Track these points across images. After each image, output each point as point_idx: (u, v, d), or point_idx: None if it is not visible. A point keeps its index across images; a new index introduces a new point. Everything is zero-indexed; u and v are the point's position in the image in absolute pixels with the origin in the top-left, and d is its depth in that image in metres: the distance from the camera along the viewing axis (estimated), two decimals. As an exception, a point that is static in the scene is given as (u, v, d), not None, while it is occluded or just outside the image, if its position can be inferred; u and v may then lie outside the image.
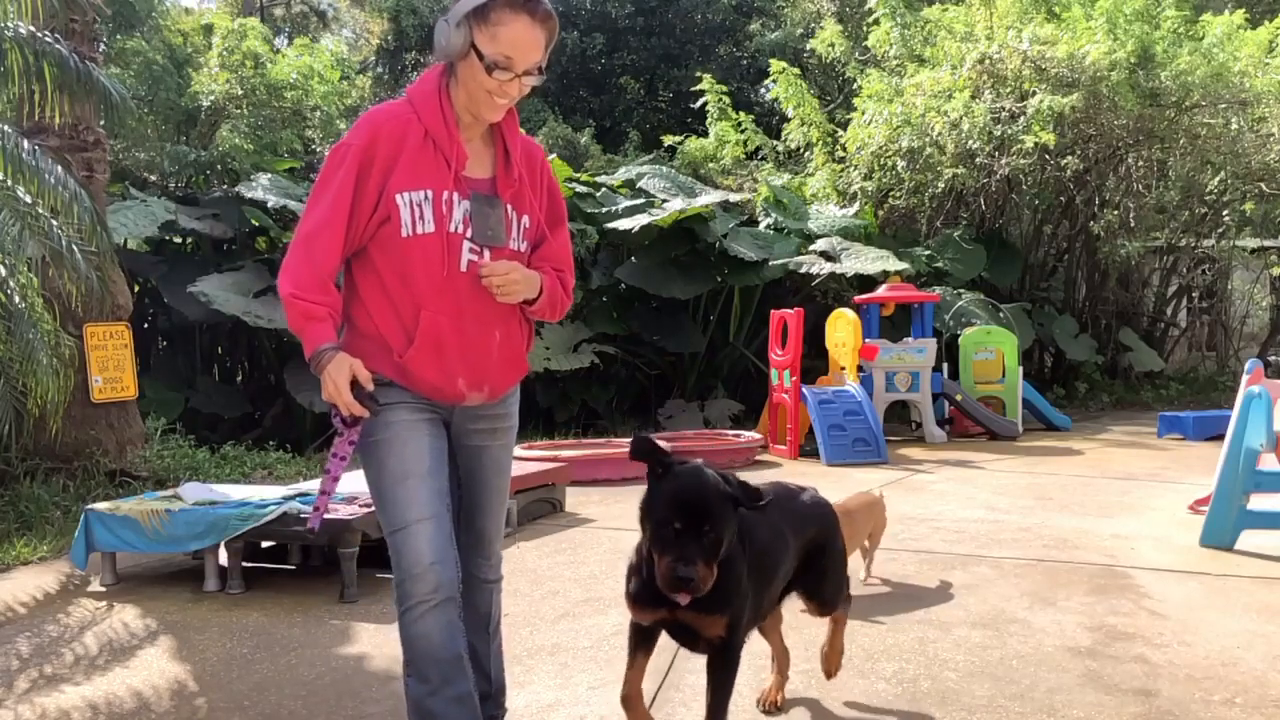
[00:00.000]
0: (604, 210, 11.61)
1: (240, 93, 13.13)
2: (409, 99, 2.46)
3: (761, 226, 12.34)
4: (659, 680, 3.34)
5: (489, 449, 2.66)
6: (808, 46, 17.32)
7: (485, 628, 2.79)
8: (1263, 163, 12.91)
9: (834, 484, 7.39)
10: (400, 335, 2.43)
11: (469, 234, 2.43)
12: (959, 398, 10.16)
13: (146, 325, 11.64)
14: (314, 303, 2.34)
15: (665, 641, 2.58)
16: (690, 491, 2.25)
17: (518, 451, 6.85)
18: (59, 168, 6.00)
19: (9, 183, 5.75)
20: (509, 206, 2.51)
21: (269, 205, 10.79)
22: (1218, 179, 13.51)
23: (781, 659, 3.19)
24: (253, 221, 11.54)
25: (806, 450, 9.15)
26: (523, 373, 2.66)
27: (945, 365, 10.68)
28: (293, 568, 5.18)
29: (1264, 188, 13.10)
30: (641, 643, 2.59)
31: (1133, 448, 9.44)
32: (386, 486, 2.44)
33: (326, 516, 4.67)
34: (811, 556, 2.89)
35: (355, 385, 2.32)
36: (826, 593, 3.00)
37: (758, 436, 9.42)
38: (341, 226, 2.38)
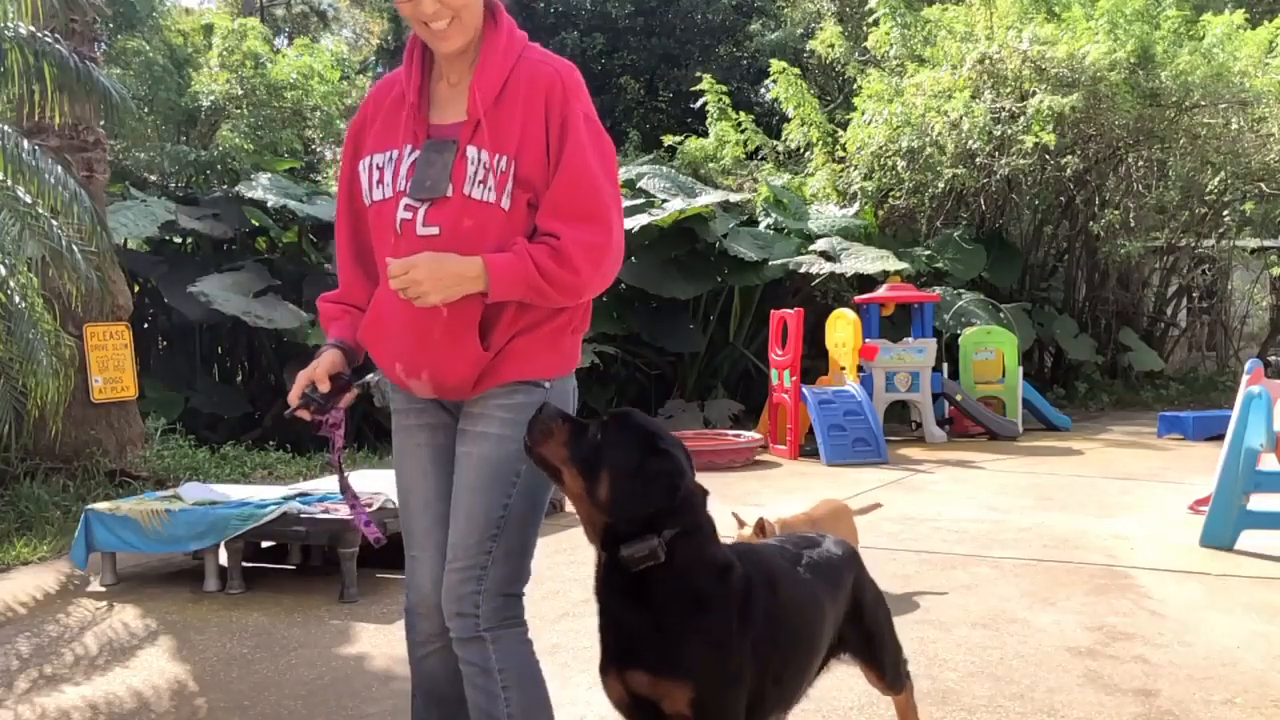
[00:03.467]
0: (604, 210, 11.59)
1: (240, 93, 13.13)
2: None
3: (761, 226, 12.34)
4: None
5: (463, 457, 2.17)
6: (808, 46, 17.31)
7: None
8: (1263, 163, 12.90)
9: (834, 484, 7.39)
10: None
11: (407, 189, 2.10)
12: (959, 398, 10.16)
13: (146, 325, 11.64)
14: (329, 303, 2.31)
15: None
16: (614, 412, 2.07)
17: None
18: (59, 168, 6.00)
19: (9, 183, 5.75)
20: (473, 147, 2.06)
21: (269, 205, 10.79)
22: (1218, 179, 13.50)
23: None
24: (253, 221, 11.54)
25: (806, 450, 9.15)
26: (480, 361, 2.08)
27: (945, 365, 10.68)
28: (293, 568, 5.18)
29: (1264, 188, 13.09)
30: None
31: (1133, 448, 9.44)
32: (399, 500, 2.34)
33: (332, 516, 4.67)
34: (853, 612, 2.40)
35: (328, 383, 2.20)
36: (888, 655, 2.48)
37: (758, 436, 9.42)
38: (344, 218, 2.29)
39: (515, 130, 2.06)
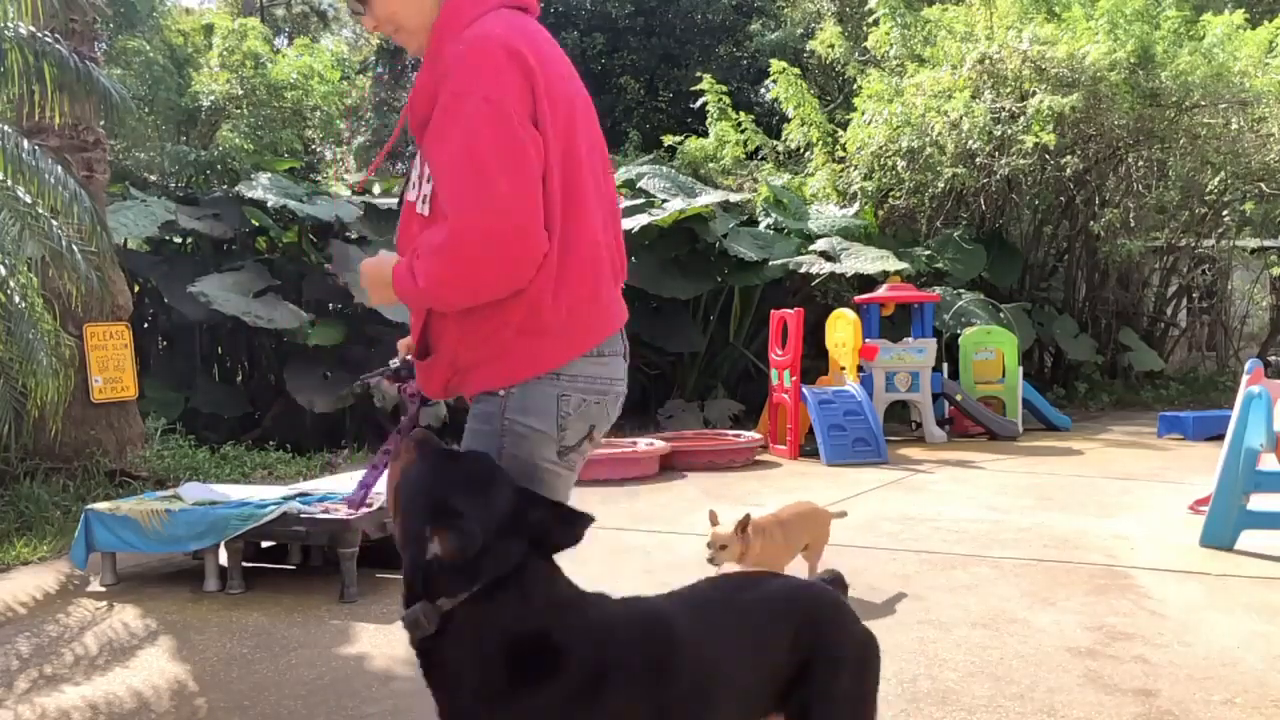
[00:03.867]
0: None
1: (240, 93, 13.12)
2: None
3: (761, 226, 12.34)
4: None
5: None
6: (808, 46, 17.31)
7: None
8: (1263, 163, 12.91)
9: (833, 484, 7.40)
10: None
11: None
12: (959, 398, 10.16)
13: (146, 325, 11.62)
14: None
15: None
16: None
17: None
18: (59, 168, 6.00)
19: (9, 183, 5.75)
20: (420, 152, 2.01)
21: (269, 205, 10.78)
22: (1218, 179, 13.51)
23: None
24: (253, 221, 11.53)
25: (806, 450, 9.15)
26: (422, 364, 2.05)
27: (945, 365, 10.68)
28: (293, 568, 5.18)
29: (1264, 188, 13.10)
30: None
31: (1133, 448, 9.44)
32: None
33: (332, 516, 4.67)
34: (801, 673, 1.89)
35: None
36: None
37: (758, 436, 9.42)
38: None
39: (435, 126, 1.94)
